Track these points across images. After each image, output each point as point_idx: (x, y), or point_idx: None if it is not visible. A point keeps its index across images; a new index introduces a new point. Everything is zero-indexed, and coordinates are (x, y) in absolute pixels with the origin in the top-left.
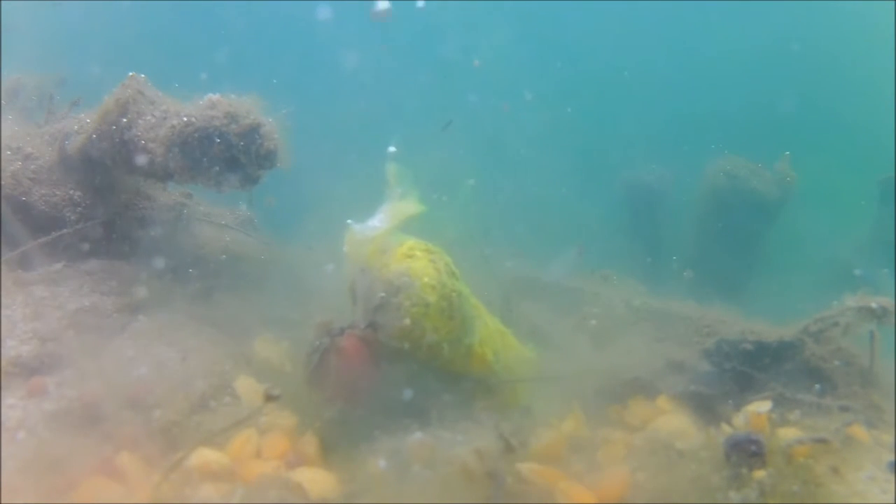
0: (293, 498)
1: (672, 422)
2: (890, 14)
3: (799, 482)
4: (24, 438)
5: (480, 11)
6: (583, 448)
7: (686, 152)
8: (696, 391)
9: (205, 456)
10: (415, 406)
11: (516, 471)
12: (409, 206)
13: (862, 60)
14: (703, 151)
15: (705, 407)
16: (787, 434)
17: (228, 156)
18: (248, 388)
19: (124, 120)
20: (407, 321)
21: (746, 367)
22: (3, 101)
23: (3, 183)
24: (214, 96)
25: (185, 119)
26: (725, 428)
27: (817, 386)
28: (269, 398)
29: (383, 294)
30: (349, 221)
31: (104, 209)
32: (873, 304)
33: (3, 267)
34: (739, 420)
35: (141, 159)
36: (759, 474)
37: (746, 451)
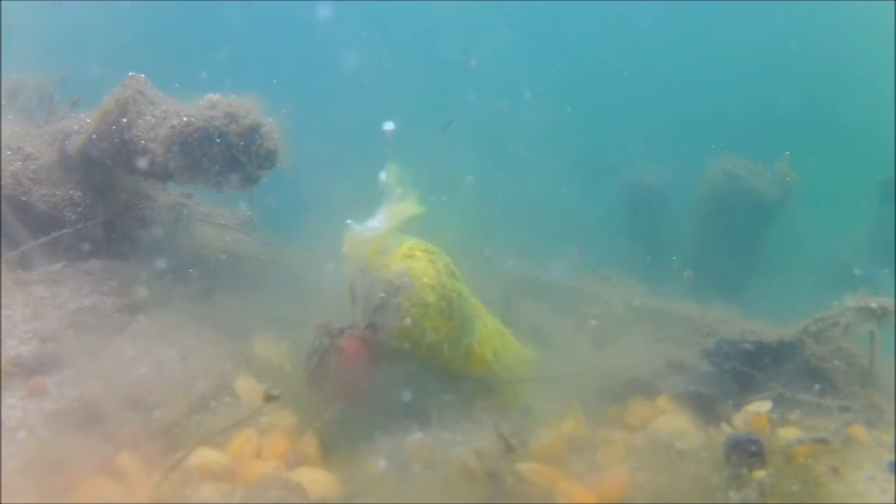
0: (293, 498)
1: (672, 422)
2: (890, 14)
3: (799, 482)
4: (24, 438)
5: (480, 11)
6: (583, 448)
7: (686, 152)
8: (696, 391)
9: (205, 456)
10: (415, 406)
11: (516, 471)
12: (409, 207)
13: (862, 60)
14: (703, 151)
15: (705, 407)
16: (787, 434)
17: (228, 156)
18: (248, 388)
19: (124, 120)
20: (407, 321)
21: (746, 367)
22: (3, 101)
23: (3, 183)
24: (214, 96)
25: (185, 119)
26: (725, 428)
27: (817, 386)
28: (269, 398)
29: (383, 294)
30: (349, 221)
31: (104, 209)
32: (873, 304)
33: (3, 267)
34: (739, 420)
35: (142, 162)
36: (759, 474)
37: (746, 451)
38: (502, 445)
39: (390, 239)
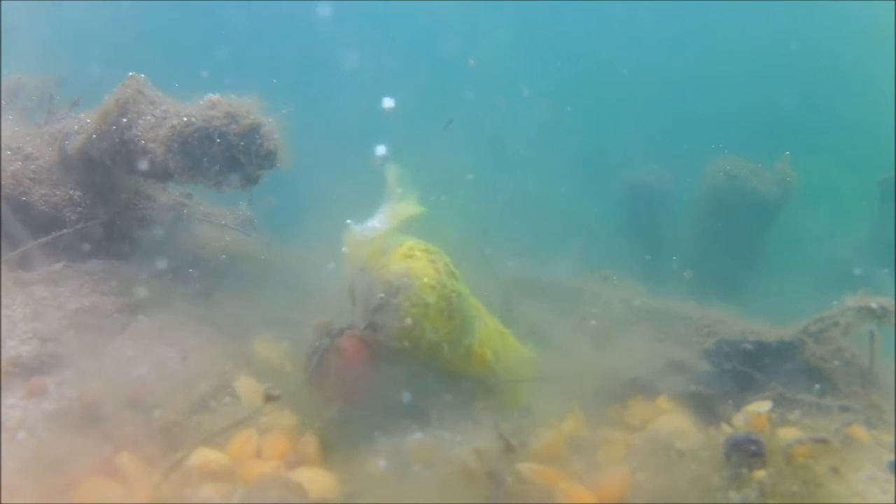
0: (293, 498)
1: (672, 422)
2: (890, 14)
3: (799, 482)
4: (24, 438)
5: (480, 11)
6: (583, 448)
7: (686, 152)
8: (696, 391)
9: (205, 456)
10: (415, 406)
11: (516, 471)
12: (409, 207)
13: (862, 60)
14: (703, 151)
15: (705, 407)
16: (787, 434)
17: (228, 156)
18: (248, 388)
19: (124, 120)
20: (407, 321)
21: (746, 367)
22: (3, 101)
23: (3, 183)
24: (214, 96)
25: (184, 119)
26: (725, 428)
27: (817, 386)
28: (269, 398)
29: (383, 294)
30: (349, 221)
31: (104, 209)
32: (873, 304)
33: (3, 267)
34: (739, 420)
35: (142, 164)
36: (759, 474)
37: (746, 451)
38: (502, 445)
39: (390, 239)
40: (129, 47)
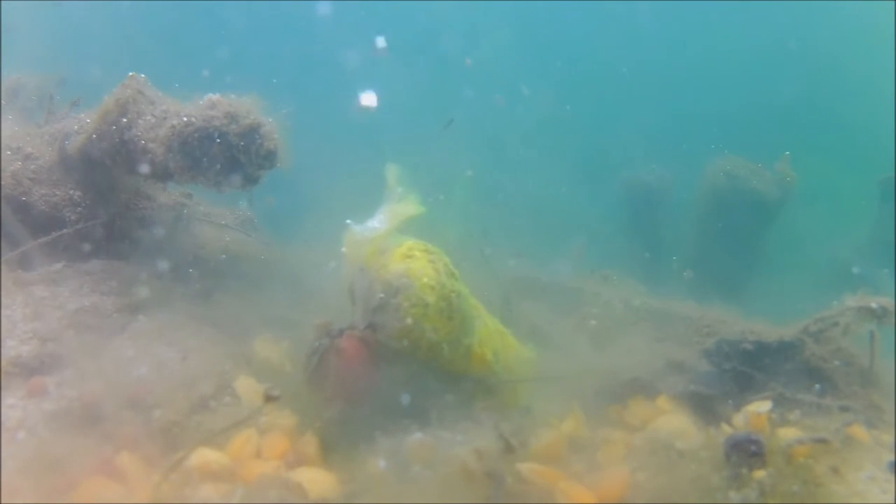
0: (293, 498)
1: (672, 422)
2: (890, 14)
3: (799, 482)
4: (24, 438)
5: (480, 11)
6: (583, 448)
7: (686, 152)
8: (696, 391)
9: (205, 456)
10: (415, 406)
11: (516, 471)
12: (409, 208)
13: (862, 60)
14: (703, 151)
15: (705, 407)
16: (787, 434)
17: (228, 156)
18: (248, 388)
19: (124, 120)
20: (407, 322)
21: (746, 367)
22: (3, 101)
23: (3, 183)
24: (214, 96)
25: (184, 119)
26: (725, 428)
27: (817, 386)
28: (269, 398)
29: (382, 295)
30: (348, 222)
31: (104, 209)
32: (873, 304)
33: (3, 267)
34: (739, 420)
35: (143, 167)
36: (759, 474)
37: (746, 451)
38: (502, 445)
39: (390, 239)
40: (130, 47)
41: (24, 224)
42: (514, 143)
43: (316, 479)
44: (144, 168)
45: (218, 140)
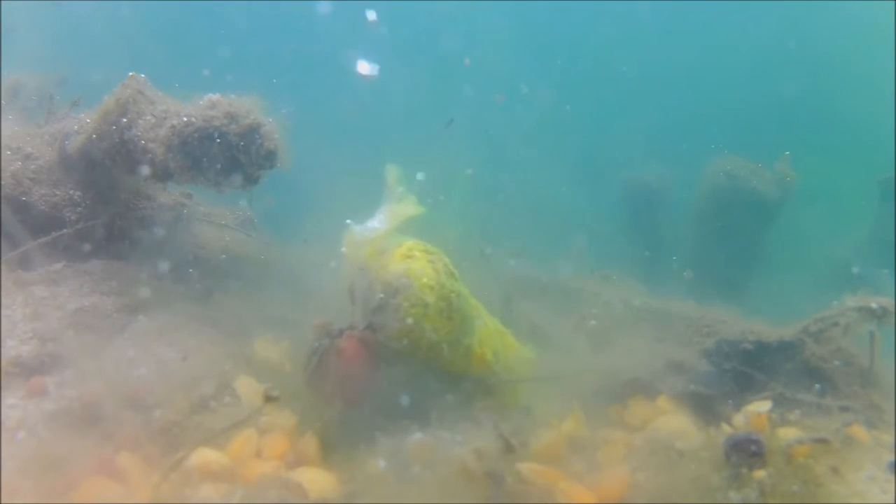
0: (293, 498)
1: (672, 422)
2: (890, 14)
3: (799, 482)
4: (24, 438)
5: (480, 10)
6: (583, 448)
7: (686, 152)
8: (696, 391)
9: (205, 456)
10: (414, 406)
11: (516, 471)
12: (409, 208)
13: (862, 60)
14: (703, 151)
15: (705, 407)
16: (787, 434)
17: (228, 156)
18: (248, 388)
19: (124, 120)
20: (408, 321)
21: (746, 367)
22: (3, 101)
23: (3, 183)
24: (214, 96)
25: (184, 119)
26: (725, 428)
27: (817, 386)
28: (269, 399)
29: (382, 295)
30: (348, 222)
31: (104, 209)
32: (873, 304)
33: (3, 267)
34: (739, 420)
35: (145, 171)
36: (759, 474)
37: (746, 451)
38: (502, 445)
39: (389, 239)
40: (130, 47)
41: (24, 224)
42: (515, 143)
43: (316, 479)
44: (145, 170)
45: (218, 140)
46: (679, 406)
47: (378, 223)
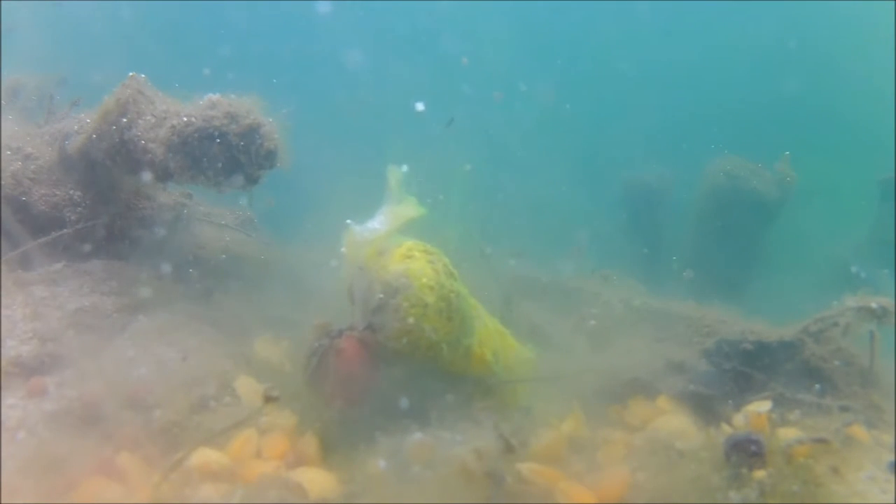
0: (293, 498)
1: (672, 422)
2: (890, 14)
3: (799, 482)
4: (24, 438)
5: (480, 10)
6: (583, 448)
7: (686, 152)
8: (696, 391)
9: (205, 456)
10: (414, 406)
11: (516, 471)
12: (409, 209)
13: (862, 60)
14: (703, 151)
15: (705, 407)
16: (787, 434)
17: (228, 156)
18: (248, 388)
19: (124, 120)
20: (410, 321)
21: (746, 367)
22: (3, 101)
23: (3, 183)
24: (214, 96)
25: (184, 119)
26: (725, 428)
27: (817, 386)
28: (269, 399)
29: (381, 295)
30: (348, 222)
31: (104, 209)
32: (873, 304)
33: (3, 267)
34: (739, 420)
35: (146, 175)
36: (759, 474)
37: (746, 451)
38: (502, 445)
39: (389, 240)
40: (130, 47)
41: (24, 224)
42: (515, 143)
43: (316, 479)
44: (146, 176)
45: (218, 140)
46: (679, 406)
47: (378, 224)
